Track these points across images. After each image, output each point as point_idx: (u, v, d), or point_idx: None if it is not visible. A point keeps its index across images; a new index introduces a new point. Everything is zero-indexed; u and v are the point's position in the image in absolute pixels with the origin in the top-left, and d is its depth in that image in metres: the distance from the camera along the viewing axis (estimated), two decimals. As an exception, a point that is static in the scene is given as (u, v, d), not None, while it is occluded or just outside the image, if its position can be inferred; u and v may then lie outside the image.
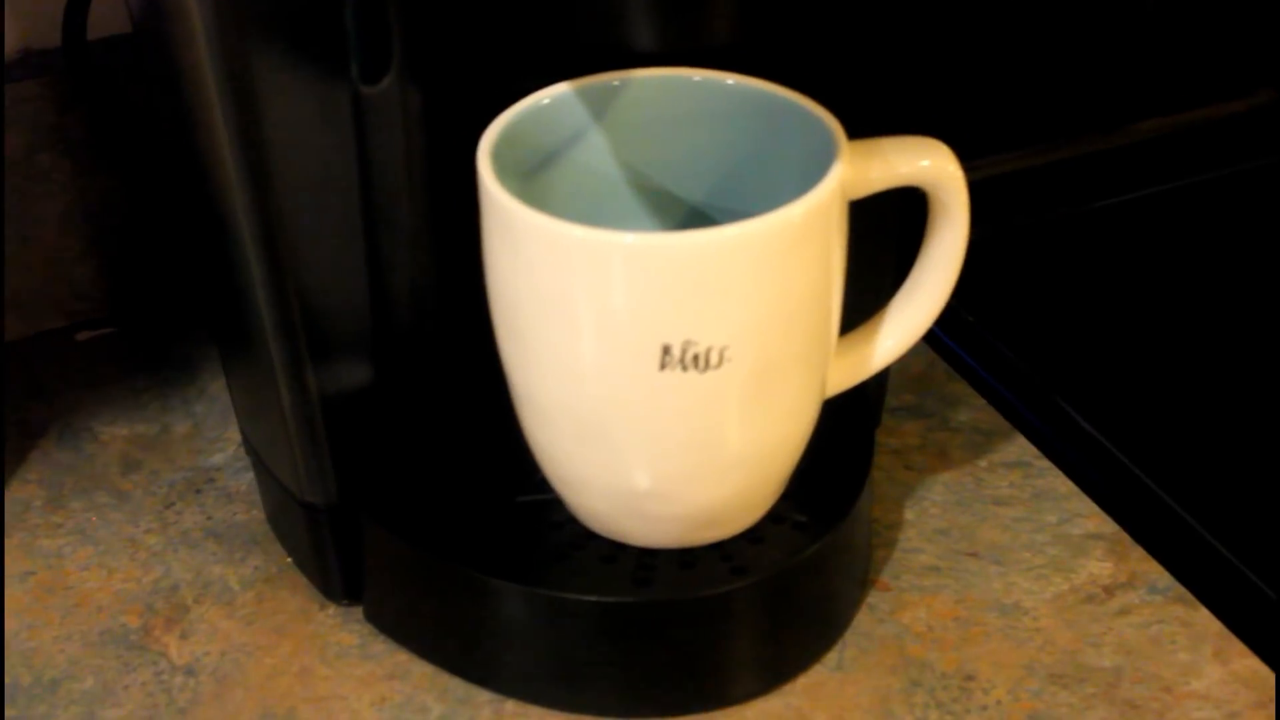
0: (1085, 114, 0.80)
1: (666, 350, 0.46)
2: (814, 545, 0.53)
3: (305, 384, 0.52)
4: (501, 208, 0.46)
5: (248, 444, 0.60)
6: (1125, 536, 0.58)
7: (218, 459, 0.64)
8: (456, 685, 0.54)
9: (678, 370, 0.46)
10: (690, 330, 0.45)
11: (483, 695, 0.54)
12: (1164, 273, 0.74)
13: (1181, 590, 0.56)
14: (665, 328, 0.45)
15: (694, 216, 0.54)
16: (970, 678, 0.53)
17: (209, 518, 0.61)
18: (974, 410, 0.65)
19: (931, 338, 0.69)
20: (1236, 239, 0.76)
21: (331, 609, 0.57)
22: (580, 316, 0.46)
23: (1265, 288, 0.73)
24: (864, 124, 0.50)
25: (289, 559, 0.59)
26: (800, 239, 0.46)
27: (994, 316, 0.70)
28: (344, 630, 0.56)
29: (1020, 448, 0.63)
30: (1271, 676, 0.53)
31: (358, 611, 0.57)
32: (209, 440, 0.65)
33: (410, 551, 0.54)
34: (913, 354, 0.58)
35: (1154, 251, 0.76)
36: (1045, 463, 0.62)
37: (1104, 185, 0.78)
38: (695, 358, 0.46)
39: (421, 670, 0.54)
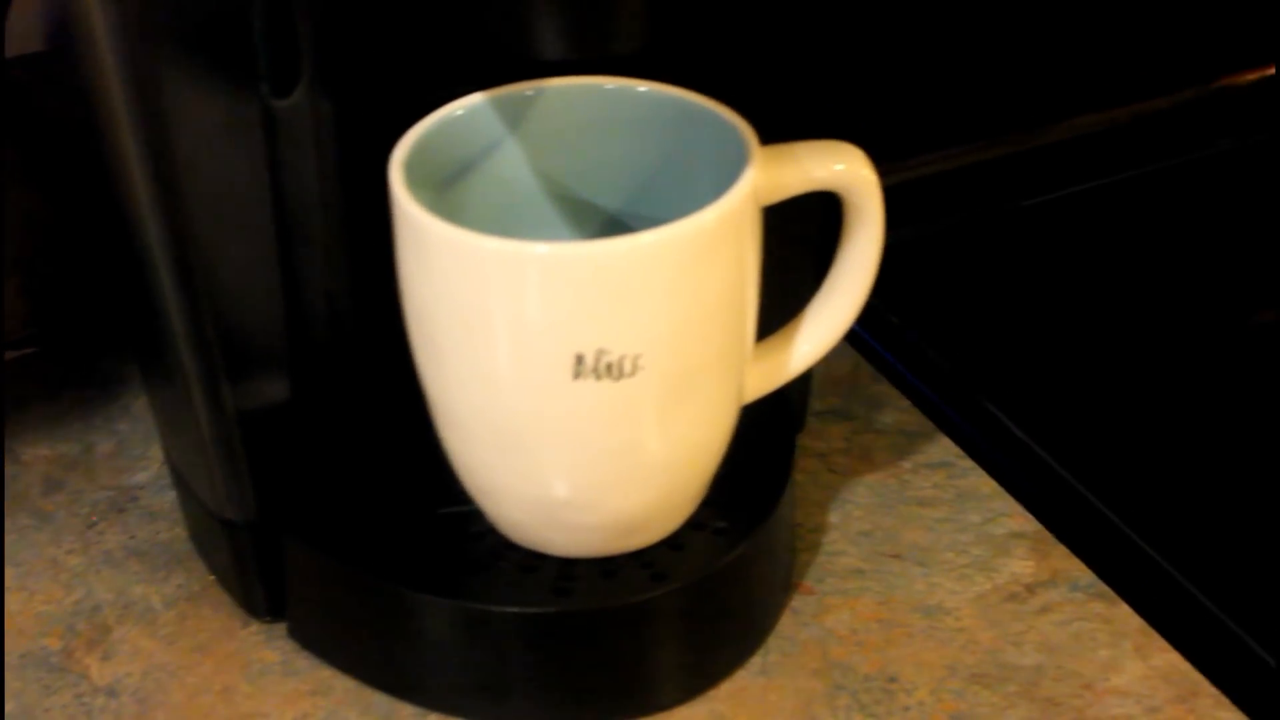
0: (1010, 112, 0.80)
1: (580, 360, 0.46)
2: (735, 551, 0.53)
3: (221, 400, 0.51)
4: (413, 220, 0.46)
5: (169, 461, 0.60)
6: (1048, 535, 0.59)
7: (141, 477, 0.63)
8: (380, 700, 0.54)
9: (591, 379, 0.46)
10: (603, 339, 0.45)
11: (406, 709, 0.53)
12: (1088, 272, 0.75)
13: (1103, 587, 0.57)
14: (578, 337, 0.45)
15: (611, 225, 0.54)
16: (893, 679, 0.53)
17: (132, 536, 0.61)
18: (898, 412, 0.65)
19: (856, 339, 0.69)
20: (1160, 237, 0.77)
21: (255, 626, 0.57)
22: (493, 328, 0.46)
23: (1188, 286, 0.74)
24: (787, 128, 0.50)
25: (212, 576, 0.58)
26: (712, 245, 0.46)
27: (919, 317, 0.70)
28: (267, 647, 0.56)
29: (944, 448, 0.63)
30: (1191, 671, 0.53)
31: (281, 628, 0.56)
32: (132, 458, 0.64)
33: (331, 567, 0.53)
34: (837, 356, 0.58)
35: (1078, 251, 0.76)
36: (969, 463, 0.62)
37: (1029, 184, 0.79)
38: (609, 366, 0.46)
39: (345, 685, 0.54)
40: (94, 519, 0.61)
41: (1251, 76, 0.85)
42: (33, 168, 0.67)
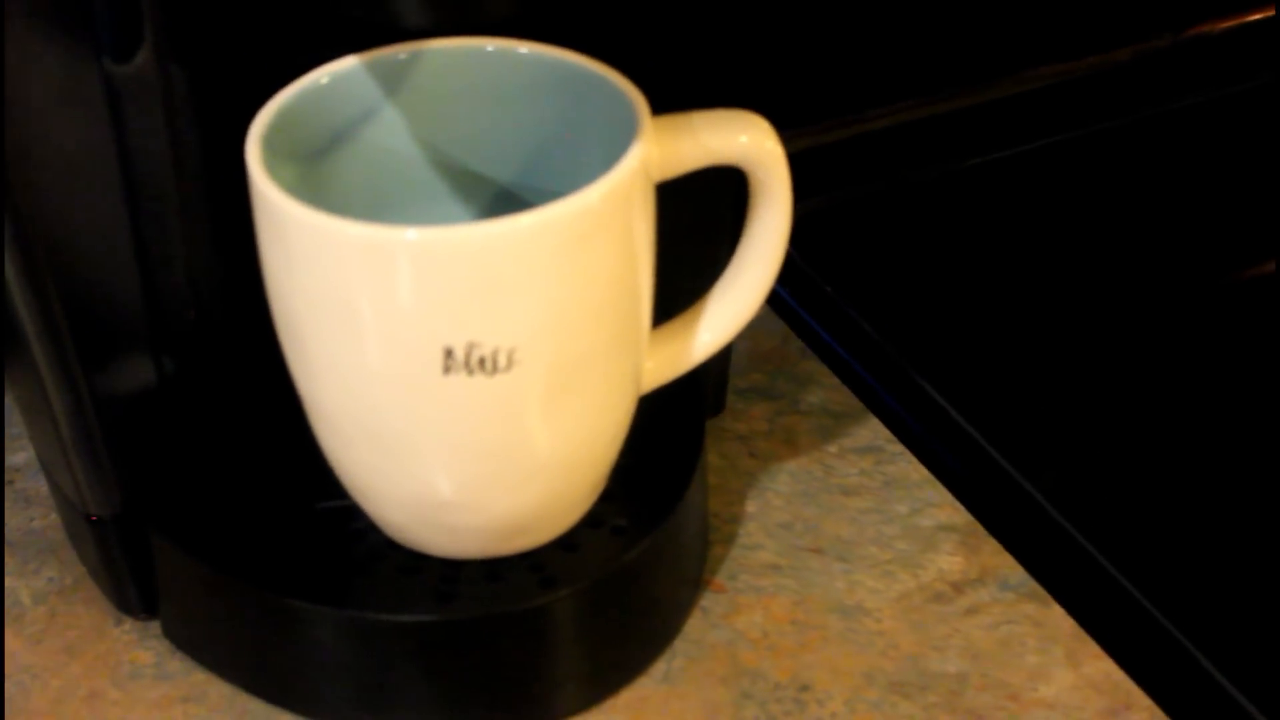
0: (956, 67, 0.76)
1: (449, 353, 0.42)
2: (633, 550, 0.49)
3: (77, 389, 0.47)
4: (270, 203, 0.42)
5: (36, 451, 0.56)
6: (979, 528, 0.55)
7: (19, 459, 0.59)
8: (257, 707, 0.50)
9: (463, 374, 0.42)
10: (473, 331, 0.41)
11: (285, 717, 0.50)
12: (1035, 238, 0.71)
13: (1034, 586, 0.53)
14: (446, 330, 0.41)
15: (502, 198, 0.49)
16: (805, 688, 0.50)
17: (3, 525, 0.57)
18: (826, 390, 0.61)
19: (787, 312, 0.65)
20: (1107, 199, 0.73)
21: (128, 624, 0.53)
22: (357, 319, 0.42)
23: (1137, 254, 0.69)
24: (689, 95, 0.46)
25: (84, 569, 0.55)
26: (595, 228, 0.42)
27: (853, 288, 0.66)
28: (139, 648, 0.52)
29: (873, 431, 0.59)
30: (1125, 680, 0.50)
31: (156, 626, 0.53)
32: (11, 439, 0.60)
33: (200, 568, 0.50)
34: (765, 331, 0.55)
35: (1025, 215, 0.72)
36: (898, 447, 0.58)
37: (973, 143, 0.74)
38: (481, 360, 0.42)
39: (220, 691, 0.51)
40: (-35, 504, 0.58)
41: (1209, 28, 0.80)
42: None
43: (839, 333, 0.64)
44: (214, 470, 0.52)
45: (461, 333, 0.41)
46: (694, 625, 0.52)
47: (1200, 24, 0.81)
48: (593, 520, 0.50)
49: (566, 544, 0.49)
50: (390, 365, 0.42)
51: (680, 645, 0.51)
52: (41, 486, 0.58)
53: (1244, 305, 0.66)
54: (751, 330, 0.51)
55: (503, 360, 0.42)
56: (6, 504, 0.58)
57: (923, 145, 0.74)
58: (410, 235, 0.41)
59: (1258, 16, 0.80)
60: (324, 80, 0.46)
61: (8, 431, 0.60)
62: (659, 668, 0.51)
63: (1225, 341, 0.64)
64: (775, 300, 0.64)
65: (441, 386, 0.42)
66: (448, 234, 0.41)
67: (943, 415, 0.60)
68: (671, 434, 0.52)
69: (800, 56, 0.66)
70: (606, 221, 0.42)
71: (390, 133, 0.48)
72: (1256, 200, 0.71)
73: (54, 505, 0.56)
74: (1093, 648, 0.51)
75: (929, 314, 0.66)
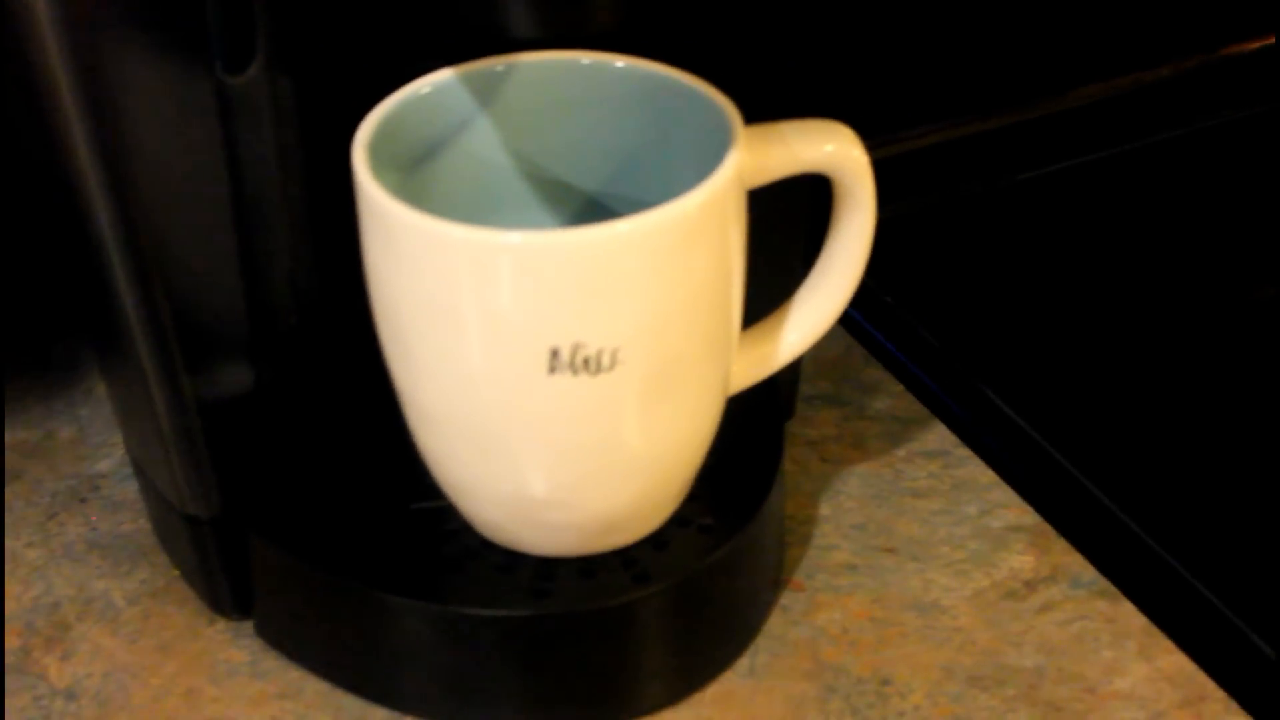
0: (1008, 83, 0.78)
1: (555, 354, 0.43)
2: (721, 548, 0.50)
3: (180, 391, 0.49)
4: (378, 206, 0.43)
5: (129, 452, 0.58)
6: (1048, 528, 0.56)
7: (103, 465, 0.61)
8: (351, 703, 0.51)
9: (568, 374, 0.43)
10: (579, 332, 0.43)
11: (379, 713, 0.51)
12: (1089, 249, 0.72)
13: (1105, 584, 0.54)
14: (553, 330, 0.43)
15: (590, 206, 0.51)
16: (887, 682, 0.51)
17: (93, 529, 0.58)
18: (892, 397, 0.63)
19: (849, 321, 0.66)
20: (1160, 211, 0.74)
21: (220, 624, 0.54)
22: (463, 320, 0.44)
23: (1190, 262, 0.71)
24: (765, 107, 0.47)
25: (176, 571, 0.56)
26: (695, 233, 0.44)
27: (913, 298, 0.68)
28: (234, 647, 0.53)
29: (939, 436, 0.61)
30: (1198, 673, 0.51)
31: (248, 626, 0.54)
32: (94, 445, 0.62)
33: (297, 565, 0.51)
34: (828, 339, 0.56)
35: (1078, 227, 0.74)
36: (965, 451, 0.60)
37: (1027, 157, 0.76)
38: (586, 361, 0.43)
39: (315, 688, 0.52)
40: (55, 510, 0.59)
41: (1253, 46, 0.82)
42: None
43: (900, 342, 0.66)
44: (311, 472, 0.53)
45: (568, 334, 0.43)
46: (775, 622, 0.53)
47: (1236, 43, 0.82)
48: (680, 520, 0.51)
49: (657, 542, 0.50)
50: (496, 366, 0.44)
51: (763, 642, 0.53)
52: (128, 492, 0.59)
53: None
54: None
55: (606, 360, 0.43)
56: (94, 510, 0.59)
57: (973, 161, 0.75)
58: (516, 238, 0.42)
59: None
60: (425, 90, 0.47)
61: (91, 439, 0.62)
62: (743, 663, 0.52)
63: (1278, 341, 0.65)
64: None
65: (546, 386, 0.44)
66: (556, 238, 0.43)
67: (1006, 420, 0.61)
68: (751, 437, 0.54)
69: (856, 74, 0.67)
70: (705, 226, 0.44)
71: (487, 143, 0.49)
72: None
73: (143, 509, 0.58)
74: (1164, 642, 0.52)
75: (987, 322, 0.67)
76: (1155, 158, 0.77)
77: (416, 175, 0.48)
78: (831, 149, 0.47)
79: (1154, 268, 0.70)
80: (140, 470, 0.55)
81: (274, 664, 0.53)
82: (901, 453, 0.60)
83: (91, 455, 0.61)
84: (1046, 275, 0.70)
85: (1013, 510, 0.57)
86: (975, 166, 0.75)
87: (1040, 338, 0.67)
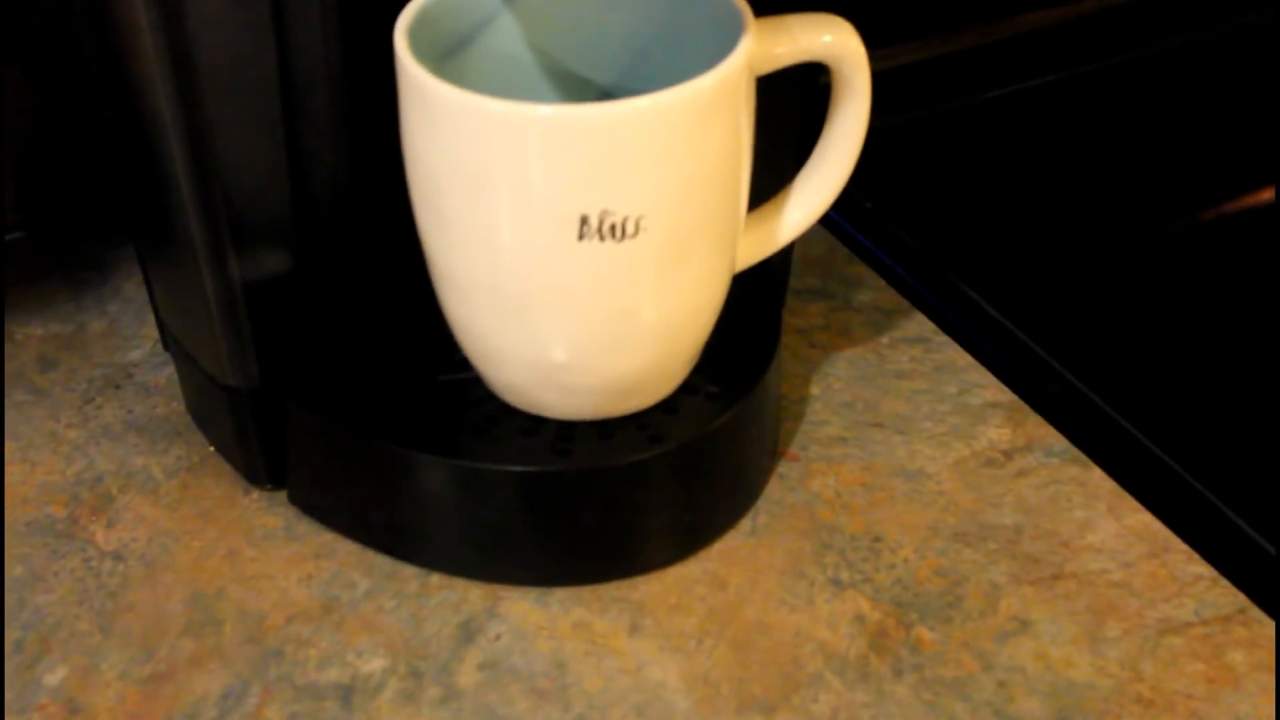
0: (977, 4, 0.82)
1: (584, 221, 0.47)
2: (726, 414, 0.54)
3: (228, 270, 0.52)
4: (419, 84, 0.47)
5: (166, 335, 0.61)
6: (1022, 404, 0.61)
7: (135, 355, 0.64)
8: (383, 561, 0.55)
9: (595, 240, 0.47)
10: (607, 200, 0.47)
11: (409, 569, 0.55)
12: (1056, 161, 0.77)
13: (1076, 453, 0.59)
14: (583, 198, 0.47)
15: (609, 98, 0.55)
16: (878, 539, 0.56)
17: (129, 411, 0.62)
18: (874, 291, 0.67)
19: (832, 224, 0.71)
20: (1126, 127, 0.79)
21: (255, 494, 0.58)
22: (499, 190, 0.47)
23: (1157, 172, 0.76)
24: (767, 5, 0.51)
25: (211, 448, 0.60)
26: (711, 110, 0.48)
27: (892, 203, 0.72)
28: (269, 514, 0.57)
29: (919, 324, 0.65)
30: (1162, 529, 0.56)
31: (282, 496, 0.58)
32: (125, 338, 0.65)
33: (333, 431, 0.55)
34: (813, 239, 0.60)
35: (1045, 140, 0.78)
36: (944, 338, 0.64)
37: (995, 76, 0.81)
38: (613, 228, 0.47)
39: (347, 549, 0.56)
40: (91, 395, 0.62)
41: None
42: (15, 47, 0.68)
43: (881, 242, 0.70)
44: (346, 347, 0.57)
45: (596, 202, 0.47)
46: (774, 488, 0.58)
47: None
48: (689, 388, 0.55)
49: (668, 407, 0.55)
50: (529, 233, 0.48)
51: (763, 505, 0.57)
52: (160, 378, 0.63)
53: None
54: (801, 240, 0.56)
55: (631, 228, 0.47)
56: (129, 394, 0.63)
57: (949, 78, 0.80)
58: (547, 111, 0.46)
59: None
60: (455, -14, 0.51)
61: (122, 331, 0.65)
62: (745, 523, 0.56)
63: (1240, 243, 0.70)
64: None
65: (575, 252, 0.48)
66: (584, 110, 0.47)
67: (980, 310, 0.66)
68: (751, 319, 0.58)
69: None
70: (720, 105, 0.48)
71: (510, 37, 0.53)
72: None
73: (176, 395, 0.62)
74: (1131, 503, 0.57)
75: (961, 224, 0.72)
76: (1121, 76, 0.82)
77: (448, 66, 0.51)
78: (830, 39, 0.51)
79: (1119, 176, 0.75)
80: (181, 349, 0.59)
81: (307, 528, 0.57)
82: (885, 340, 0.64)
83: (123, 346, 0.65)
84: (1016, 184, 0.75)
85: (989, 389, 0.62)
86: (947, 84, 0.80)
87: (1011, 237, 0.71)
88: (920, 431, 0.60)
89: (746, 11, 0.50)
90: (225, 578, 0.55)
